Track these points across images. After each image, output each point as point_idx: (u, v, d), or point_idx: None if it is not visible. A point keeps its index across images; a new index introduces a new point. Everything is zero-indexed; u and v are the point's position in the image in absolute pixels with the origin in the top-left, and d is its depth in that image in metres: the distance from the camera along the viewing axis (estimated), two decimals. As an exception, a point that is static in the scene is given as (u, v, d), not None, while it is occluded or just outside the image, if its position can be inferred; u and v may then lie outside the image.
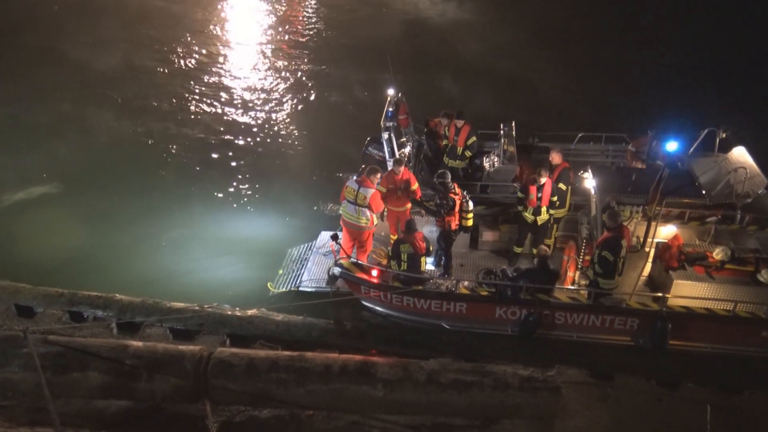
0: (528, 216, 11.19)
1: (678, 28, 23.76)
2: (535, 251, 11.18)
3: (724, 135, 11.09)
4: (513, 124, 13.08)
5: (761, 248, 10.82)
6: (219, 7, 27.78)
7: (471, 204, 11.17)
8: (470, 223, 11.32)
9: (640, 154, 12.59)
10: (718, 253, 10.42)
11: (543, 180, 10.92)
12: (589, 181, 10.73)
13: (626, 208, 10.47)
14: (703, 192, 10.30)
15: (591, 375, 9.45)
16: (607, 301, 9.90)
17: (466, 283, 10.53)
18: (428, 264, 11.42)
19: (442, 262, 11.51)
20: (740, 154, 10.80)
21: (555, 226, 11.74)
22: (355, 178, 10.90)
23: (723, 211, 11.00)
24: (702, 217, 11.16)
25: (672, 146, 10.17)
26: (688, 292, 10.05)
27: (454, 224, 11.09)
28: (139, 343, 8.98)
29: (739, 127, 11.44)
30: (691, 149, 11.32)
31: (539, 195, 10.95)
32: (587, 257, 10.32)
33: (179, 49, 23.59)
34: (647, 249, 9.97)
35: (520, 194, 11.25)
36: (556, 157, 11.74)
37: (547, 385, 8.96)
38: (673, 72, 21.02)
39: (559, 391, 8.90)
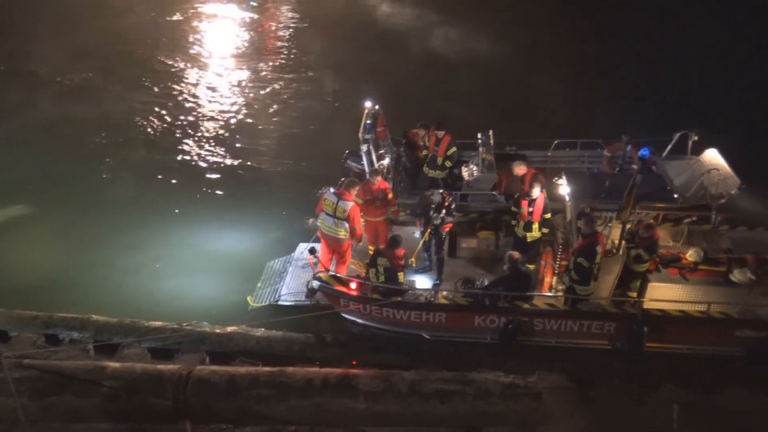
0: (519, 231, 11.12)
1: (648, 34, 24.11)
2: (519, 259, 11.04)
3: (696, 138, 11.27)
4: (490, 132, 13.22)
5: (733, 247, 11.00)
6: (194, 19, 27.74)
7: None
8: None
9: (616, 158, 12.76)
10: (691, 255, 10.58)
11: (535, 193, 10.72)
12: (564, 188, 10.83)
13: (601, 214, 10.57)
14: (675, 196, 10.44)
15: (571, 379, 9.53)
16: (584, 307, 9.99)
17: (444, 293, 10.56)
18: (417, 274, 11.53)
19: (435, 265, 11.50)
20: (713, 156, 10.97)
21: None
22: (333, 190, 10.90)
23: (698, 213, 11.18)
24: (677, 219, 11.33)
25: (644, 152, 10.30)
26: (663, 294, 10.17)
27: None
28: (117, 364, 8.94)
29: (710, 129, 11.63)
30: (665, 152, 11.50)
31: (530, 210, 10.79)
32: (564, 262, 10.40)
33: (152, 65, 23.48)
34: (621, 253, 10.09)
35: (513, 208, 11.17)
36: (519, 170, 11.87)
37: (528, 392, 9.06)
38: (644, 77, 21.34)
39: (540, 397, 8.99)
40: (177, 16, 27.85)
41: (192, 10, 28.53)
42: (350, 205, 10.64)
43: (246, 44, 25.68)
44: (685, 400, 9.28)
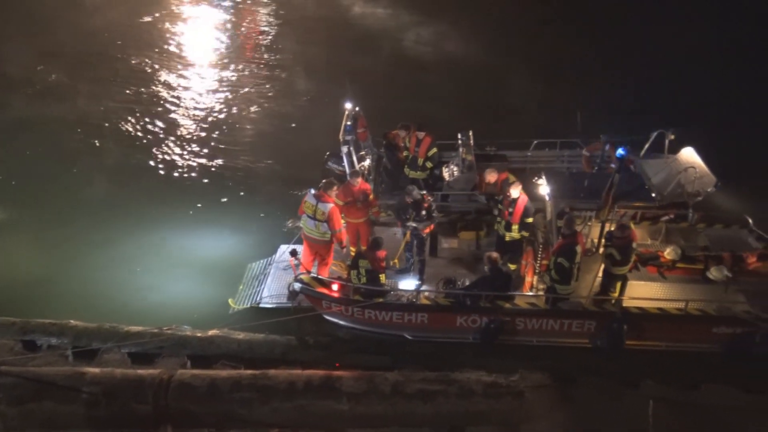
0: (500, 229, 11.15)
1: (624, 33, 24.39)
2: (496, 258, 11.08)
3: (672, 136, 11.42)
4: (470, 133, 13.29)
5: (710, 245, 11.19)
6: (166, 20, 27.47)
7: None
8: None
9: (595, 158, 12.90)
10: (669, 253, 10.76)
11: (513, 194, 10.70)
12: (544, 188, 10.92)
13: (581, 213, 10.68)
14: (653, 195, 10.59)
15: (553, 378, 9.61)
16: (564, 306, 10.09)
17: (426, 293, 10.59)
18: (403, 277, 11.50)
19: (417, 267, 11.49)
20: (689, 154, 11.13)
21: None
22: (313, 192, 10.87)
23: (676, 210, 11.35)
24: (655, 216, 11.49)
25: (622, 152, 10.41)
26: (642, 292, 10.33)
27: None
28: (97, 370, 8.82)
29: (686, 128, 11.79)
30: (643, 151, 11.65)
31: (510, 210, 10.79)
32: (545, 262, 10.49)
33: (126, 65, 23.25)
34: (600, 252, 10.21)
35: (499, 206, 11.18)
36: (490, 177, 11.97)
37: (510, 390, 9.12)
38: (622, 76, 21.54)
39: (522, 396, 9.05)
40: (148, 18, 27.56)
41: (164, 11, 28.28)
42: (329, 206, 10.63)
43: (221, 46, 25.50)
44: (665, 396, 9.40)
